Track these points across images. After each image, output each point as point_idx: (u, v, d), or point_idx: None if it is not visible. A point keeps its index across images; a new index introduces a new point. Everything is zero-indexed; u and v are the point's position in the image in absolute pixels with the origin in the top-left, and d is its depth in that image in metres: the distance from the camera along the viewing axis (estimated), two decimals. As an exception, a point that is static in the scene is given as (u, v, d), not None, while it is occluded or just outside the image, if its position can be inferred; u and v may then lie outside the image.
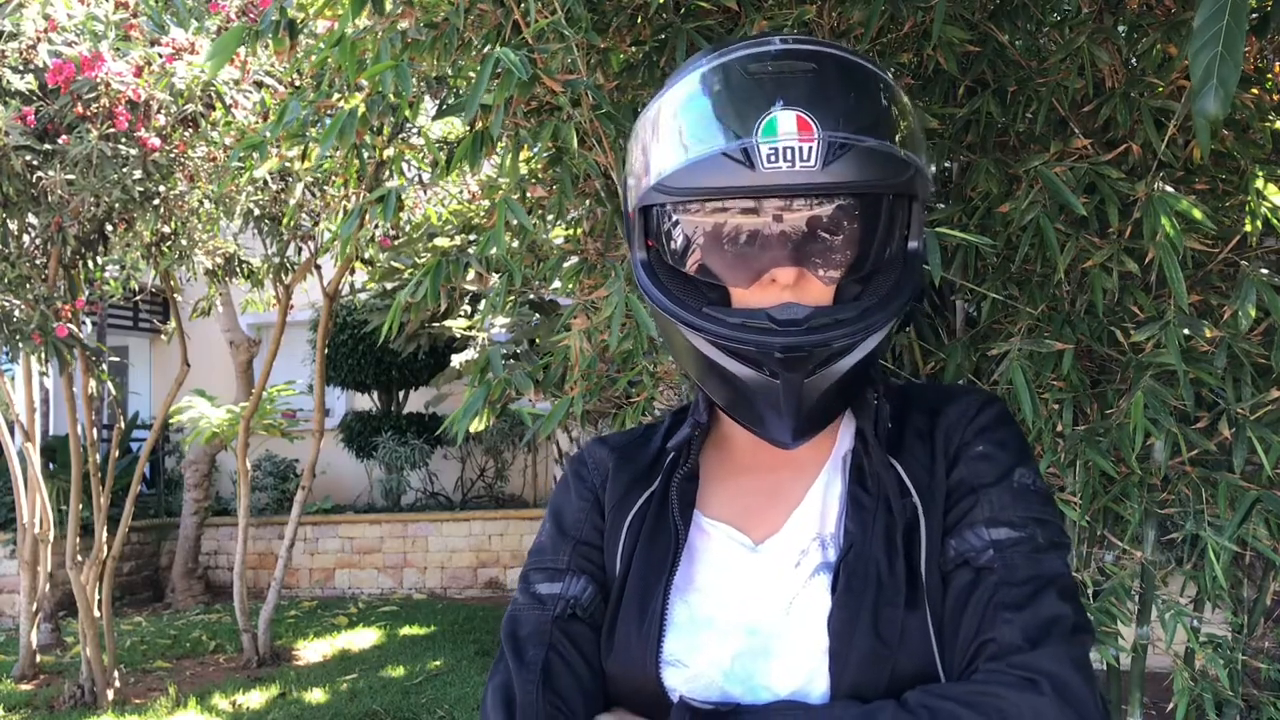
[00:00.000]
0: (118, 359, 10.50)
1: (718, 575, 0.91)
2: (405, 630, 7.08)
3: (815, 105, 0.80)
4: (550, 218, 2.05)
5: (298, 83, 4.17)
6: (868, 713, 0.79)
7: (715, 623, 0.89)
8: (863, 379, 0.89)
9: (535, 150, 1.86)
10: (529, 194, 2.04)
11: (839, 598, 0.84)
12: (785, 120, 0.79)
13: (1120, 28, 1.83)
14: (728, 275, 0.86)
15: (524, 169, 2.12)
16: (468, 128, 1.74)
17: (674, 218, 0.87)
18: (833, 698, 0.82)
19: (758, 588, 0.89)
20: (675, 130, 0.85)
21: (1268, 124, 1.79)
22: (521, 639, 0.92)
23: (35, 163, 4.15)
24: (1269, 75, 1.87)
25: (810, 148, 0.78)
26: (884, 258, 0.87)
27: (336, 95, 2.02)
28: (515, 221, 1.71)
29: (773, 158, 0.78)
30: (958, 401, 0.95)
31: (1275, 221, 1.74)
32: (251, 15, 3.91)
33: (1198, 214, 1.57)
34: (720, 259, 0.86)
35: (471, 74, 2.06)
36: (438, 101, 3.18)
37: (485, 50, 1.75)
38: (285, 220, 4.92)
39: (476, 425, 2.01)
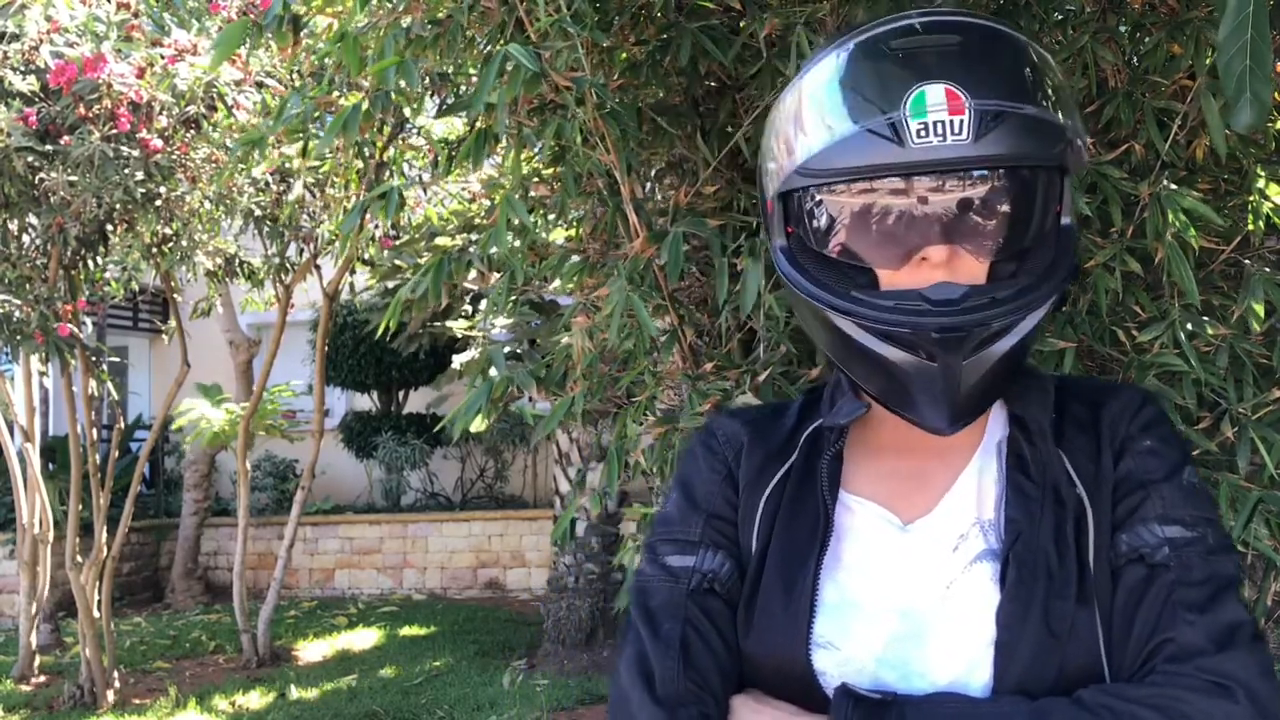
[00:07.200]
0: (118, 359, 10.47)
1: (867, 554, 0.88)
2: (405, 630, 7.07)
3: (963, 77, 0.77)
4: (552, 217, 2.04)
5: (298, 83, 4.18)
6: (1039, 710, 0.76)
7: (866, 604, 0.86)
8: (1019, 362, 0.86)
9: (538, 149, 1.86)
10: (532, 192, 2.04)
11: (1010, 589, 0.81)
12: (934, 94, 0.76)
13: (1123, 27, 1.83)
14: (876, 257, 0.83)
15: (526, 168, 2.12)
16: (468, 127, 1.74)
17: (817, 200, 0.84)
18: (995, 690, 0.80)
19: (910, 569, 0.86)
20: (817, 112, 0.82)
21: (1270, 124, 1.79)
22: (654, 610, 0.89)
23: (37, 164, 4.16)
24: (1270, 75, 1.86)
25: (961, 120, 0.75)
26: (1038, 235, 0.83)
27: (336, 93, 2.02)
28: (516, 220, 1.71)
29: (923, 133, 0.75)
30: (1120, 394, 0.91)
31: (1278, 220, 1.74)
32: (253, 16, 3.92)
33: (1203, 209, 1.58)
34: (867, 240, 0.82)
35: (472, 70, 2.06)
36: (439, 100, 3.18)
37: (488, 48, 1.75)
38: (283, 215, 4.87)
39: (477, 425, 1.99)
